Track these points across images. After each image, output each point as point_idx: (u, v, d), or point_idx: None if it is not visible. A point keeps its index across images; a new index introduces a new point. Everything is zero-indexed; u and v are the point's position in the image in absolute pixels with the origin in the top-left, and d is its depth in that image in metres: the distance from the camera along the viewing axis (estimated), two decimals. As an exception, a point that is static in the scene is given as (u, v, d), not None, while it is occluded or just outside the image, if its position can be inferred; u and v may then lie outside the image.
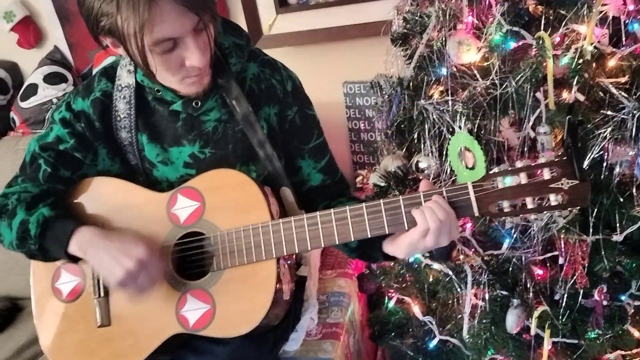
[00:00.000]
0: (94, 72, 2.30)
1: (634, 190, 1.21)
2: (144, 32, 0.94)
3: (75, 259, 1.14)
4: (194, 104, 1.16)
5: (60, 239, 1.12)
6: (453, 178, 1.35)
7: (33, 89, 2.26)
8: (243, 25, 1.81)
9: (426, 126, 1.33)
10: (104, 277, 1.11)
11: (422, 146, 1.38)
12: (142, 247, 1.07)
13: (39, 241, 1.13)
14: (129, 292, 1.08)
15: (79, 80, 2.34)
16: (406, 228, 1.03)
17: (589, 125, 1.18)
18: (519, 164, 1.00)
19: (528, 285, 1.35)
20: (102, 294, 1.19)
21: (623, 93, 1.16)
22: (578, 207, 1.10)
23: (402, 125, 1.43)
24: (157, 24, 0.94)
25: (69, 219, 1.15)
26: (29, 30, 2.32)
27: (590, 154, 1.17)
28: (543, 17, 1.21)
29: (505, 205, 1.00)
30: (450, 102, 1.29)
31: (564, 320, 1.33)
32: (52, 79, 2.26)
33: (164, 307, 1.15)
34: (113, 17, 0.95)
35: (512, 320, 1.36)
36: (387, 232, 1.05)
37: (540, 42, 1.16)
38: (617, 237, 1.24)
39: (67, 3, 2.24)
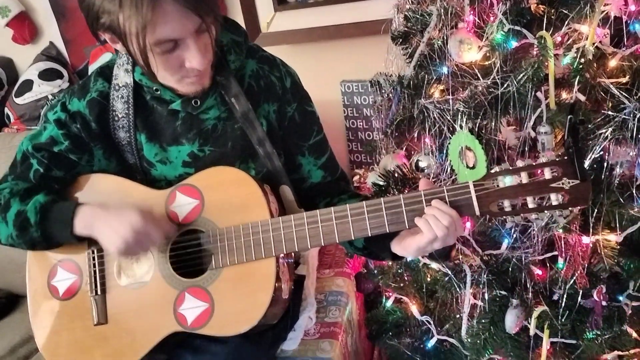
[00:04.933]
0: (89, 69, 2.31)
1: (634, 191, 1.21)
2: (146, 32, 0.93)
3: (80, 239, 1.14)
4: (193, 102, 1.14)
5: (64, 220, 1.11)
6: (453, 177, 1.35)
7: (28, 85, 2.24)
8: (241, 22, 1.80)
9: (426, 125, 1.33)
10: (106, 247, 1.11)
11: (422, 145, 1.38)
12: (138, 216, 1.08)
13: (41, 227, 1.12)
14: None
15: (74, 77, 2.32)
16: (407, 227, 1.03)
17: (589, 126, 1.17)
18: (520, 164, 0.99)
19: (527, 285, 1.35)
20: (98, 291, 1.18)
21: (624, 93, 1.16)
22: (579, 207, 1.10)
23: (402, 124, 1.42)
24: (159, 24, 0.93)
25: (66, 200, 1.15)
26: (24, 26, 2.29)
27: (590, 154, 1.17)
28: (545, 16, 1.20)
29: (506, 204, 1.00)
30: (451, 101, 1.28)
31: (563, 320, 1.33)
32: (47, 75, 2.25)
33: (161, 305, 1.14)
34: (114, 14, 0.94)
35: (511, 320, 1.36)
36: (387, 231, 1.04)
37: (542, 41, 1.16)
38: (617, 238, 1.24)
39: (63, -1, 2.22)
